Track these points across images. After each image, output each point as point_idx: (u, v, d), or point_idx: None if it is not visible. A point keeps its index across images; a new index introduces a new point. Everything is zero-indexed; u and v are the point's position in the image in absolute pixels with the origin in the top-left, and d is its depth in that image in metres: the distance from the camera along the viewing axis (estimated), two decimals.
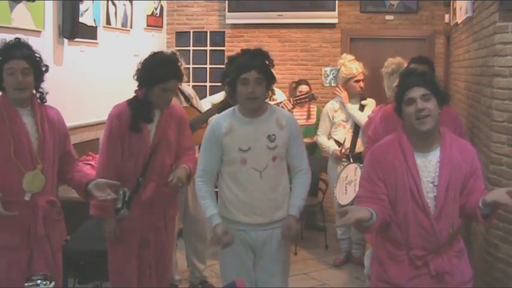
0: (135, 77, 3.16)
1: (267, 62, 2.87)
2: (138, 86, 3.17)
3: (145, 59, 3.16)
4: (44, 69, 2.88)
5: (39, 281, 2.25)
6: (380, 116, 3.70)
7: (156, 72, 3.06)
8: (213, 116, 3.97)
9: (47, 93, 2.93)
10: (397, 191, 2.52)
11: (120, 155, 3.12)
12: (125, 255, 3.18)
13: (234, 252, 2.93)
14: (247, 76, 2.79)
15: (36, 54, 2.85)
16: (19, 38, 2.86)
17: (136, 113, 3.12)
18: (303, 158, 3.01)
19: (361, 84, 4.82)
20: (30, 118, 2.82)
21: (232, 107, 2.98)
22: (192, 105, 4.28)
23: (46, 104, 2.95)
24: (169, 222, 3.32)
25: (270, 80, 2.87)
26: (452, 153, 2.50)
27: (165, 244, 3.27)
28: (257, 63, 2.81)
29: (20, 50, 2.77)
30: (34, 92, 2.88)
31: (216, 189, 3.04)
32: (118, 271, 3.21)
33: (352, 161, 4.58)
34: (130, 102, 3.17)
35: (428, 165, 2.51)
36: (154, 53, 3.20)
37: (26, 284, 2.24)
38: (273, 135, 2.86)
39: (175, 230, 3.52)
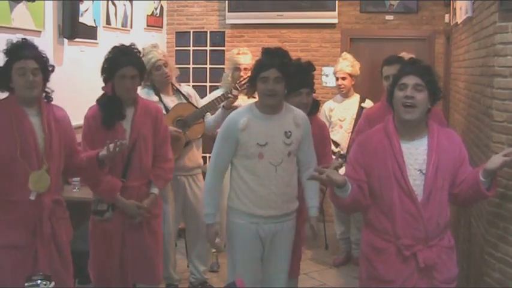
0: (101, 76, 3.22)
1: (287, 61, 2.97)
2: (104, 81, 3.21)
3: (106, 54, 3.22)
4: (50, 68, 2.93)
5: (39, 281, 2.25)
6: (364, 117, 3.72)
7: (112, 61, 3.17)
8: (224, 111, 4.04)
9: (52, 91, 2.98)
10: (381, 177, 2.56)
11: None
12: (107, 256, 3.21)
13: (243, 243, 3.03)
14: (267, 74, 2.91)
15: (43, 54, 2.90)
16: (25, 38, 2.91)
17: (105, 109, 3.18)
18: (313, 153, 3.15)
19: (340, 82, 4.92)
20: (37, 118, 2.86)
21: (250, 104, 3.09)
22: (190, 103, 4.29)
23: (53, 103, 2.99)
24: (153, 220, 3.32)
25: (289, 78, 2.96)
26: (439, 141, 2.55)
27: (146, 243, 3.26)
28: (276, 62, 2.91)
29: (29, 50, 2.82)
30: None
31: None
32: (100, 271, 3.24)
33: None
34: (98, 99, 3.23)
35: (415, 152, 2.55)
36: (113, 47, 3.27)
37: (26, 284, 2.25)
38: (289, 131, 2.99)
39: (161, 229, 3.52)
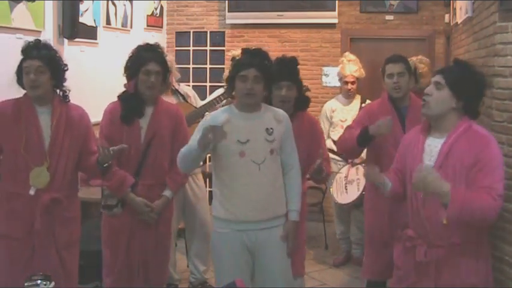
0: (125, 74, 3.24)
1: (266, 62, 2.90)
2: (126, 79, 3.23)
3: (130, 53, 3.27)
4: (63, 68, 2.99)
5: (39, 281, 2.24)
6: (364, 110, 3.67)
7: (138, 57, 3.19)
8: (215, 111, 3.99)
9: (69, 90, 3.04)
10: (406, 169, 2.67)
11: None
12: (112, 252, 3.21)
13: (229, 255, 2.88)
14: (246, 73, 2.83)
15: (53, 54, 2.96)
16: (39, 39, 3.00)
17: (126, 104, 3.19)
18: (295, 155, 3.03)
19: (349, 86, 4.92)
20: (47, 116, 2.94)
21: (229, 105, 3.04)
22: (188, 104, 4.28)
23: (72, 103, 3.05)
24: (163, 223, 3.29)
25: (268, 79, 2.90)
26: (456, 142, 2.49)
27: (153, 244, 3.24)
28: (256, 61, 2.85)
29: (36, 50, 2.90)
30: (58, 91, 3.00)
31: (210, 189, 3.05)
32: (108, 269, 3.24)
33: (350, 161, 4.62)
34: (120, 95, 3.25)
35: (434, 150, 2.56)
36: (137, 45, 3.30)
37: (25, 284, 2.24)
38: (271, 128, 2.89)
39: (171, 232, 3.50)
